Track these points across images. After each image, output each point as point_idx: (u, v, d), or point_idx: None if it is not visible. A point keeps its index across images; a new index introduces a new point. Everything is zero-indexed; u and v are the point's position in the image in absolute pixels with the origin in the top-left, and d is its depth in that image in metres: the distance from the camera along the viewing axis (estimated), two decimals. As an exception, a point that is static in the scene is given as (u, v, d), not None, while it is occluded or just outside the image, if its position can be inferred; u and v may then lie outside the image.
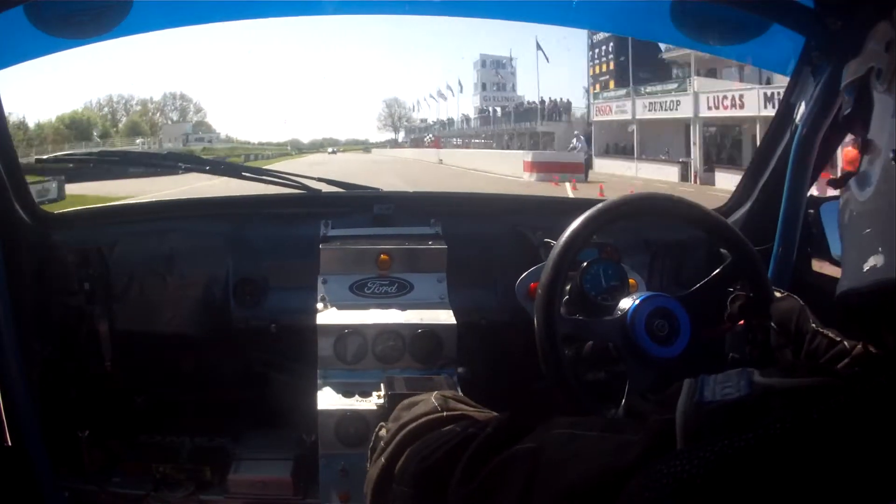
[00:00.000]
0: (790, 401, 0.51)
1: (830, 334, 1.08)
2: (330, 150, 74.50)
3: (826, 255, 1.65)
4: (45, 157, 2.13)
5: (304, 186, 1.98)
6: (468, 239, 1.85)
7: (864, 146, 0.77)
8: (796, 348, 1.12)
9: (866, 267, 0.70)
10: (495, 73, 52.13)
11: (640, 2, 1.83)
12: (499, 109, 47.12)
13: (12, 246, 1.65)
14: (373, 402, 1.51)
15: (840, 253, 0.79)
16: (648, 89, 25.75)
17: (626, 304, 1.18)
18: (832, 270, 1.62)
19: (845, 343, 1.04)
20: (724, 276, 1.24)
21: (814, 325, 1.11)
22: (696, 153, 22.21)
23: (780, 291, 1.22)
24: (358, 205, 1.96)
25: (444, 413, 0.91)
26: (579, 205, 1.23)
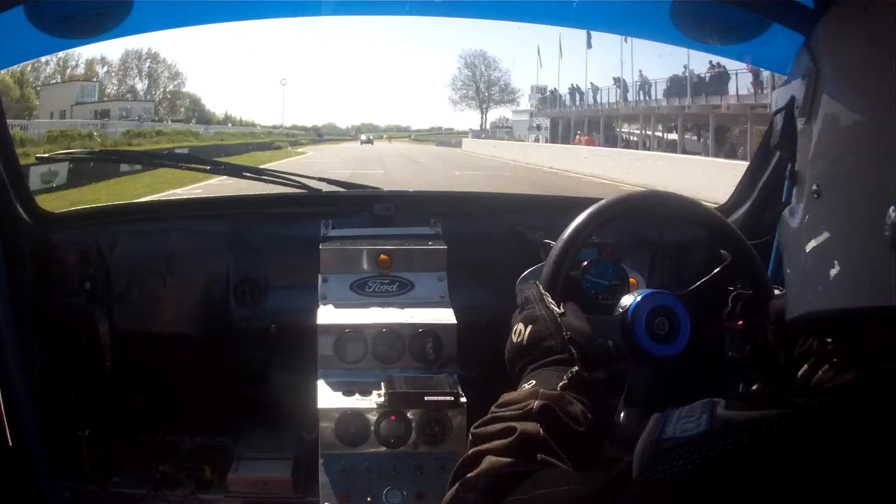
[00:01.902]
0: (745, 433, 0.52)
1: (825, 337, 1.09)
2: (363, 137, 54.33)
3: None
4: (45, 154, 2.12)
5: (304, 186, 1.98)
6: (468, 239, 1.85)
7: (792, 176, 0.78)
8: (789, 349, 1.13)
9: (806, 299, 0.72)
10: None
11: (640, 2, 1.83)
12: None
13: (12, 246, 1.65)
14: (373, 400, 1.51)
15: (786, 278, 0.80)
16: None
17: (626, 301, 1.18)
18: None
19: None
20: (723, 276, 1.24)
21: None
22: None
23: (779, 289, 1.22)
24: (358, 204, 1.96)
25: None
26: (579, 204, 1.23)
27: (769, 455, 0.49)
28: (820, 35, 0.76)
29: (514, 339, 1.02)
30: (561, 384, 0.90)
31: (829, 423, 0.50)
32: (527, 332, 1.00)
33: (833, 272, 0.67)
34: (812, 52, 0.76)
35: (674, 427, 0.60)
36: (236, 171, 2.09)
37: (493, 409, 0.90)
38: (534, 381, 0.91)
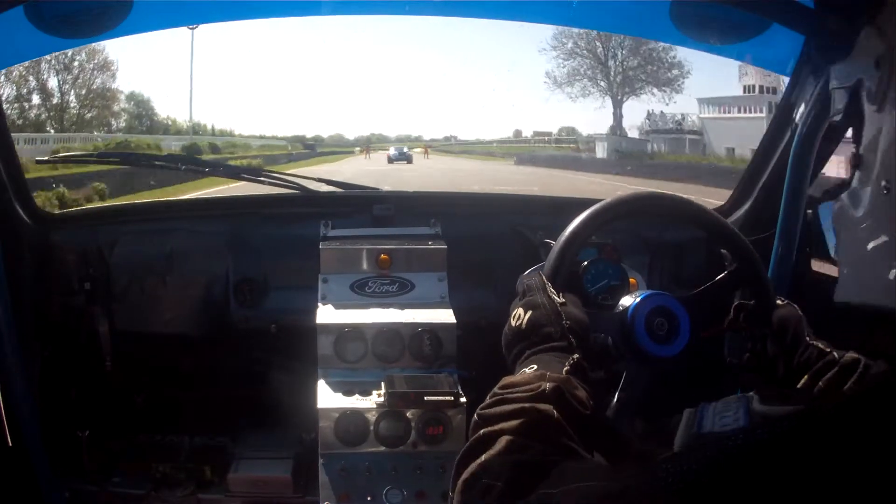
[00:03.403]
0: (788, 424, 0.51)
1: (821, 345, 1.09)
2: (393, 151, 31.13)
3: (825, 256, 1.65)
4: (45, 157, 2.12)
5: (303, 187, 1.98)
6: (468, 239, 1.85)
7: (856, 160, 0.76)
8: (789, 358, 1.13)
9: (863, 286, 0.71)
10: None
11: (640, 2, 1.83)
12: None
13: (12, 246, 1.65)
14: (373, 400, 1.51)
15: (836, 256, 0.79)
16: None
17: (626, 301, 1.17)
18: (831, 270, 1.62)
19: (835, 354, 1.06)
20: (726, 282, 1.24)
21: (808, 337, 1.12)
22: None
23: (780, 299, 1.22)
24: (358, 205, 1.96)
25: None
26: (579, 204, 1.23)
27: (811, 445, 0.49)
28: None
29: (513, 324, 1.01)
30: (566, 370, 0.89)
31: (874, 415, 0.50)
32: (526, 318, 1.00)
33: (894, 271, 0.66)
34: (885, 37, 0.73)
35: (711, 421, 0.59)
36: (236, 173, 2.10)
37: (495, 391, 0.88)
38: (535, 366, 0.90)
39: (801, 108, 1.60)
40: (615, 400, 1.12)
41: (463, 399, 1.49)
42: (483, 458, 0.77)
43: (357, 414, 1.51)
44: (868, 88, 0.74)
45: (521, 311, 1.02)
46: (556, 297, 1.02)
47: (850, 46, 1.13)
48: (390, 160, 30.17)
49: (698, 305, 1.21)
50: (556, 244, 1.15)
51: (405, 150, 32.15)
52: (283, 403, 1.88)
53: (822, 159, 1.65)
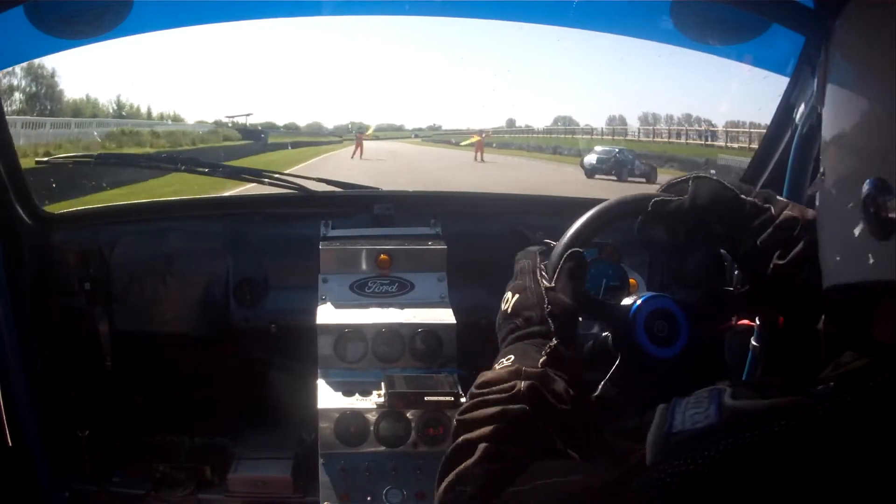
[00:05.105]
0: (758, 423, 0.51)
1: (758, 201, 1.04)
2: (592, 159, 20.10)
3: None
4: (45, 158, 2.12)
5: (303, 187, 1.98)
6: (468, 239, 1.85)
7: (817, 160, 0.80)
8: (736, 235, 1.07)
9: (829, 271, 0.73)
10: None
11: (640, 2, 1.83)
12: None
13: (12, 246, 1.65)
14: (373, 400, 1.51)
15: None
16: None
17: (626, 303, 1.18)
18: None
19: (772, 210, 1.02)
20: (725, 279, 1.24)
21: (742, 194, 1.05)
22: None
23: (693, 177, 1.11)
24: (358, 205, 1.96)
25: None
26: (580, 204, 1.23)
27: (789, 446, 0.49)
28: (834, 29, 0.79)
29: (502, 307, 1.02)
30: (542, 360, 0.89)
31: (851, 411, 0.50)
32: (512, 301, 1.00)
33: (837, 252, 0.68)
34: (826, 46, 0.78)
35: (682, 418, 0.59)
36: (235, 173, 2.10)
37: (472, 390, 0.89)
38: (512, 357, 0.90)
39: (801, 108, 1.60)
40: (603, 381, 1.12)
41: (463, 399, 1.49)
42: (462, 466, 0.78)
43: (357, 414, 1.51)
44: (816, 94, 0.79)
45: (509, 294, 1.03)
46: (543, 281, 1.01)
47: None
48: (589, 172, 18.94)
49: (698, 306, 1.21)
50: (560, 243, 1.15)
51: (620, 151, 19.11)
52: (283, 403, 1.88)
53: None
